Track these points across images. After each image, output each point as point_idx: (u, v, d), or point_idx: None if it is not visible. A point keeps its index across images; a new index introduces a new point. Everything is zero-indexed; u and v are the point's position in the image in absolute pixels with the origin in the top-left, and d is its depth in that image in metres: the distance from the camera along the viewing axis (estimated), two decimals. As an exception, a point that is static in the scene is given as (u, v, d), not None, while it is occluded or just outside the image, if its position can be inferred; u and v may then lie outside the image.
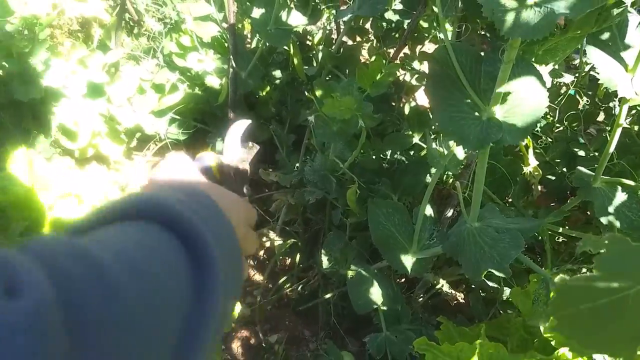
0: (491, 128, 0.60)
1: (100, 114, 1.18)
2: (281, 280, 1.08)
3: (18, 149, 0.90)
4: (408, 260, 0.81)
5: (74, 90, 1.13)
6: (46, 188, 0.88)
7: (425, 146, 0.86)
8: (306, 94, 1.03)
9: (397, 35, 1.07)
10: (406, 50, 1.09)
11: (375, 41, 1.10)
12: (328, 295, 0.98)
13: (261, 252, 1.18)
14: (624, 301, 0.36)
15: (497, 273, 0.62)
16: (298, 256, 1.09)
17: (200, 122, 1.28)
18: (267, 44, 1.09)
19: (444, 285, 0.93)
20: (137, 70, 1.23)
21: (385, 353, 0.84)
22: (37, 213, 0.76)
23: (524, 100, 0.60)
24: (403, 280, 1.00)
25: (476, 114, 0.61)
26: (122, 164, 1.34)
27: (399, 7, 0.99)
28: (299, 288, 1.08)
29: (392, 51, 1.02)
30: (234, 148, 0.51)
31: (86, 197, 0.93)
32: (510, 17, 0.50)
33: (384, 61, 0.79)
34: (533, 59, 0.61)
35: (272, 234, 1.15)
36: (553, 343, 0.63)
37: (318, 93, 0.85)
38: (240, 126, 0.52)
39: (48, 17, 1.15)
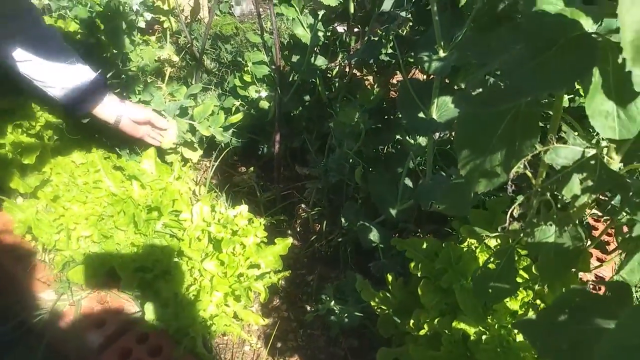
0: (432, 123, 1.08)
1: (186, 129, 1.71)
2: (312, 239, 1.56)
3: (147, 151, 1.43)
4: (394, 211, 1.29)
5: (170, 112, 1.66)
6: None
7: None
8: (328, 110, 1.53)
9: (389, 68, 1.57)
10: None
11: (375, 73, 1.60)
12: (344, 241, 1.46)
13: (298, 223, 1.67)
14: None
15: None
16: (325, 223, 1.57)
17: (253, 133, 1.80)
18: (301, 78, 1.60)
19: (422, 232, 1.40)
20: (211, 98, 1.77)
21: (382, 272, 1.31)
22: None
23: (448, 106, 1.08)
24: (395, 231, 1.46)
25: (423, 116, 1.10)
26: (197, 165, 1.86)
27: (390, 51, 1.50)
28: (326, 244, 1.56)
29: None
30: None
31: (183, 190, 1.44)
32: (432, 64, 1.00)
33: (375, 88, 1.29)
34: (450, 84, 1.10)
35: (306, 209, 1.65)
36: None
37: (334, 107, 1.36)
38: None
39: (153, 65, 1.71)
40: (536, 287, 0.92)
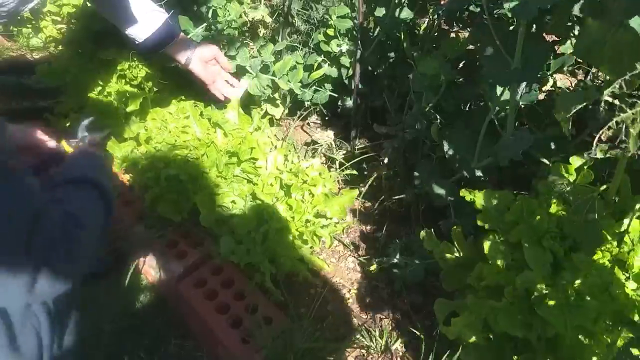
0: (515, 73, 1.01)
1: (267, 85, 1.77)
2: (384, 196, 1.55)
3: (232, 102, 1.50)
4: (471, 169, 1.23)
5: (254, 68, 1.73)
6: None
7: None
8: (412, 67, 1.49)
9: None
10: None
11: (464, 25, 1.52)
12: (415, 199, 1.43)
13: (372, 180, 1.66)
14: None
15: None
16: (398, 181, 1.56)
17: (334, 91, 1.81)
18: (385, 32, 1.57)
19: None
20: (294, 56, 1.81)
21: (455, 229, 1.26)
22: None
23: (534, 56, 1.00)
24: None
25: (507, 65, 1.03)
26: (281, 122, 1.93)
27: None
28: (397, 202, 1.54)
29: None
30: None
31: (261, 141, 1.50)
32: (514, 6, 0.92)
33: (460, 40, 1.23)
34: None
35: (380, 167, 1.64)
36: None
37: (415, 60, 1.32)
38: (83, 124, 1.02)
39: (241, 22, 1.78)
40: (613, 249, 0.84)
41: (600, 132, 0.62)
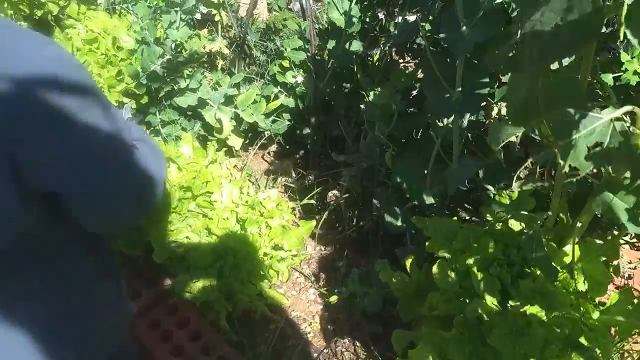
0: (456, 103, 1.04)
1: (230, 117, 1.77)
2: (343, 225, 1.56)
3: (185, 136, 1.49)
4: (423, 196, 1.25)
5: (215, 100, 1.73)
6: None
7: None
8: (363, 99, 1.52)
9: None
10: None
11: (411, 56, 1.56)
12: (374, 227, 1.44)
13: (331, 208, 1.67)
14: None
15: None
16: (356, 209, 1.56)
17: (292, 120, 1.82)
18: (338, 64, 1.60)
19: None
20: (253, 87, 1.82)
21: (408, 258, 1.27)
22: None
23: (474, 86, 1.03)
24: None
25: (447, 96, 1.06)
26: (240, 153, 1.92)
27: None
28: (357, 230, 1.55)
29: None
30: None
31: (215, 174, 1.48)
32: (453, 41, 0.96)
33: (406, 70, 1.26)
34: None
35: (338, 195, 1.64)
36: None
37: (368, 89, 1.34)
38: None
39: (201, 54, 1.79)
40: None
41: (518, 171, 0.64)
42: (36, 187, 0.59)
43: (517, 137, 0.88)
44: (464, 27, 0.95)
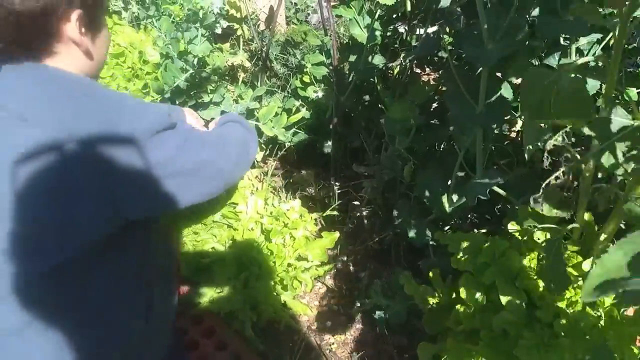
0: (479, 117, 1.05)
1: (251, 129, 1.80)
2: (365, 236, 1.57)
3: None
4: (445, 209, 1.26)
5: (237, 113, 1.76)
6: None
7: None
8: (383, 112, 1.54)
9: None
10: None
11: (433, 69, 1.58)
12: (396, 239, 1.45)
13: (353, 220, 1.68)
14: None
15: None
16: (378, 220, 1.57)
17: (313, 133, 1.85)
18: (359, 78, 1.62)
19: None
20: (273, 100, 1.85)
21: (433, 271, 1.28)
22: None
23: (498, 100, 1.04)
24: (448, 230, 1.42)
25: (471, 109, 1.07)
26: (261, 164, 1.95)
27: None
28: (378, 242, 1.56)
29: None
30: None
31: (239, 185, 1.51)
32: (478, 55, 0.97)
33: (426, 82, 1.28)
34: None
35: (360, 207, 1.66)
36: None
37: (386, 103, 1.36)
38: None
39: (224, 68, 1.83)
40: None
41: (548, 180, 0.65)
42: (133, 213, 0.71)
43: (544, 146, 0.89)
44: (488, 42, 0.97)
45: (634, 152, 0.57)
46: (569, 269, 0.88)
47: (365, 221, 1.63)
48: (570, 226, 0.89)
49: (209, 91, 1.67)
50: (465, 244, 0.98)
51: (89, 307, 0.73)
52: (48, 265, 0.66)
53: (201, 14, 1.65)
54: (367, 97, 1.77)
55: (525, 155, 0.74)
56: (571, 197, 0.73)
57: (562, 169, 0.63)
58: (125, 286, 0.79)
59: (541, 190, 0.66)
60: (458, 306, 0.95)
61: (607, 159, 0.59)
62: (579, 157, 0.64)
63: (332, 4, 1.56)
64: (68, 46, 0.72)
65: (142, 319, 0.84)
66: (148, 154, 0.68)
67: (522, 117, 1.43)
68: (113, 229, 0.69)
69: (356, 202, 1.64)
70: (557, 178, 0.63)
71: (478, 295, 0.93)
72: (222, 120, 1.02)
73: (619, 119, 0.60)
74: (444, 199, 1.26)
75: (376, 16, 1.46)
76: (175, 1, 2.02)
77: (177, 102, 1.72)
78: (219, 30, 2.14)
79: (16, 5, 0.63)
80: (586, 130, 0.60)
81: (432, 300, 1.05)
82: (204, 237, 1.33)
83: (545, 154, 0.66)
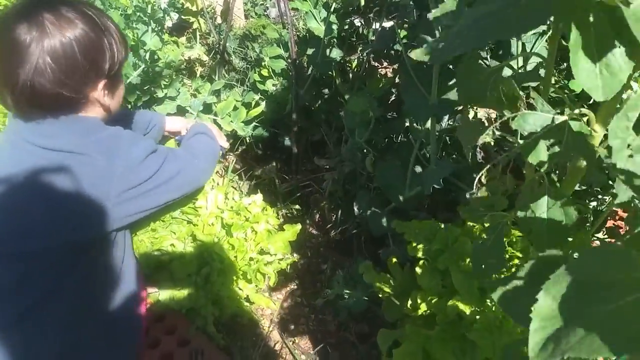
0: (432, 107, 1.08)
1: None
2: (327, 227, 1.58)
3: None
4: (403, 198, 1.29)
5: (194, 108, 1.74)
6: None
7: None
8: (342, 104, 1.55)
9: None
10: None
11: (389, 62, 1.60)
12: (357, 229, 1.47)
13: (315, 213, 1.70)
14: None
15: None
16: (339, 212, 1.59)
17: (273, 127, 1.85)
18: (318, 71, 1.63)
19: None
20: (232, 94, 1.84)
21: (391, 259, 1.31)
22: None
23: (449, 91, 1.08)
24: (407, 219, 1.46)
25: (424, 101, 1.10)
26: (221, 159, 1.93)
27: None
28: (340, 233, 1.58)
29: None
30: None
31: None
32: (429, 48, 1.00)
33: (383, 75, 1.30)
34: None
35: (322, 199, 1.67)
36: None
37: (346, 97, 1.38)
38: None
39: (179, 62, 1.79)
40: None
41: (480, 173, 0.68)
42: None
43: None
44: (438, 35, 0.99)
45: (557, 148, 0.60)
46: (516, 253, 0.93)
47: (327, 213, 1.65)
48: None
49: (162, 86, 1.64)
50: (421, 232, 1.01)
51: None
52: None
53: (149, 9, 1.60)
54: (326, 91, 1.78)
55: (465, 153, 0.76)
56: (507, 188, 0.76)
57: (492, 162, 0.66)
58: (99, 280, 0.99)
59: (474, 186, 0.69)
60: (414, 292, 0.98)
61: (534, 156, 0.61)
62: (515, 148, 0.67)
63: (289, -3, 1.56)
64: (93, 104, 0.92)
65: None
66: (140, 174, 0.92)
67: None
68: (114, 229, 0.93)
69: (317, 195, 1.66)
70: (488, 171, 0.66)
71: (434, 281, 0.96)
72: (190, 132, 1.25)
73: (543, 114, 0.62)
74: (402, 189, 1.29)
75: (332, 9, 1.47)
76: (122, -7, 1.96)
77: (131, 99, 1.68)
78: (169, 24, 2.09)
79: (48, 88, 0.82)
80: (513, 125, 0.63)
81: (390, 288, 1.08)
82: (162, 234, 1.31)
83: (478, 149, 0.69)
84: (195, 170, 1.09)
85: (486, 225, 0.96)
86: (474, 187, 0.68)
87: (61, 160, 0.86)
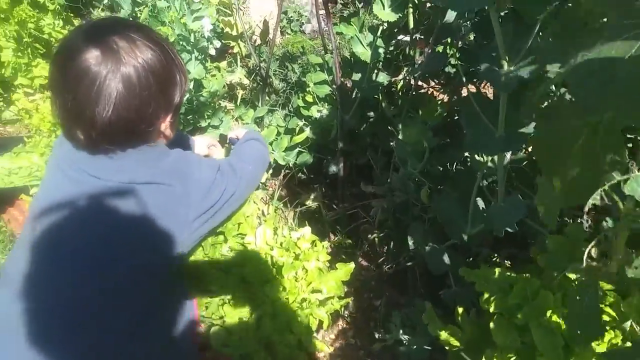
0: (500, 141, 0.99)
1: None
2: (379, 261, 1.51)
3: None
4: (465, 235, 1.20)
5: (236, 136, 1.70)
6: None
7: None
8: (389, 128, 1.48)
9: (455, 80, 1.48)
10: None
11: (440, 85, 1.52)
12: (412, 264, 1.39)
13: (364, 244, 1.62)
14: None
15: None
16: (391, 244, 1.51)
17: (318, 152, 1.79)
18: (363, 96, 1.57)
19: (498, 258, 1.29)
20: (274, 119, 1.79)
21: (454, 301, 1.22)
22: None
23: (517, 123, 0.98)
24: (468, 255, 1.36)
25: (490, 134, 1.01)
26: (266, 185, 1.89)
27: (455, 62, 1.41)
28: (394, 267, 1.50)
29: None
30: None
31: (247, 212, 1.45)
32: (496, 78, 0.91)
33: (438, 101, 1.22)
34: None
35: (372, 230, 1.60)
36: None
37: (394, 120, 1.30)
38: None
39: (222, 91, 1.77)
40: (627, 326, 0.80)
41: (590, 246, 0.59)
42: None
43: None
44: (506, 65, 0.91)
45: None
46: (606, 309, 0.82)
47: (378, 245, 1.57)
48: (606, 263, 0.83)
49: (206, 116, 1.61)
50: (493, 282, 0.92)
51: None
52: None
53: (192, 38, 1.58)
54: (371, 113, 1.71)
55: (547, 222, 0.67)
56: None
57: (603, 233, 0.57)
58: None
59: (584, 261, 0.60)
60: (490, 350, 0.89)
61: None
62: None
63: (332, 21, 1.50)
64: (158, 135, 0.94)
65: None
66: (212, 195, 0.97)
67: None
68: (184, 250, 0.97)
69: (367, 226, 1.58)
70: (599, 242, 0.57)
71: (510, 338, 0.87)
72: (243, 138, 1.28)
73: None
74: (463, 225, 1.20)
75: (379, 33, 1.39)
76: (164, 22, 1.95)
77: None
78: (212, 52, 2.07)
79: (126, 124, 0.82)
80: (626, 190, 0.54)
81: (457, 341, 0.99)
82: (212, 275, 1.27)
83: (585, 216, 0.60)
84: (250, 179, 1.14)
85: (569, 275, 0.86)
86: (583, 262, 0.59)
87: (138, 191, 0.85)
